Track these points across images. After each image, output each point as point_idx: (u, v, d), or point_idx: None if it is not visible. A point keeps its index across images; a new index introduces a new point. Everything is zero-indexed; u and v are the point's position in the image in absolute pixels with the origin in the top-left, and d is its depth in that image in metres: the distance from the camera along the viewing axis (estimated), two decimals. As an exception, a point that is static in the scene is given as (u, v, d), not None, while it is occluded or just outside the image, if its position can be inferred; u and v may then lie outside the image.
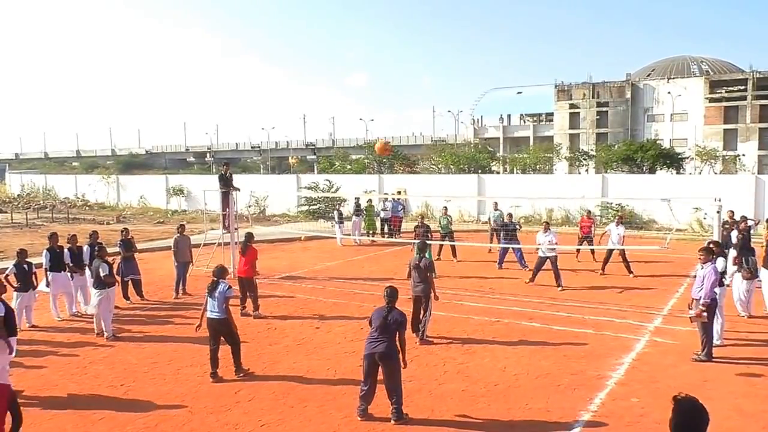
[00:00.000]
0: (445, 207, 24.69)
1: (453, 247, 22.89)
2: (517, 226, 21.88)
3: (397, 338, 8.98)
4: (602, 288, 17.89)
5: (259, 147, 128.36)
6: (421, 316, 12.73)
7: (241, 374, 10.76)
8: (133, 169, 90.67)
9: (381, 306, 9.29)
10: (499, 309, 15.42)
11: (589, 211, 21.39)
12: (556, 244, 18.05)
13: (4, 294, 9.73)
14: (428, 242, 18.16)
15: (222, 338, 10.71)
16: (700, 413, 4.04)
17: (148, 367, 11.39)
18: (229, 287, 10.87)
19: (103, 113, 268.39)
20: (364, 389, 9.04)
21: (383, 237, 28.34)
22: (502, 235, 21.39)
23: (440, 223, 23.60)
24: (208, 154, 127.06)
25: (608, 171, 43.46)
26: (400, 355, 9.03)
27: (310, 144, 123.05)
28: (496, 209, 24.93)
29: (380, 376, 9.02)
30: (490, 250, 23.53)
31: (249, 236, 15.80)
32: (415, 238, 19.92)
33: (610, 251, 19.73)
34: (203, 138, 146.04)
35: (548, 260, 17.97)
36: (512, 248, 20.94)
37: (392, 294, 9.34)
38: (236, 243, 20.02)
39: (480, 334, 13.31)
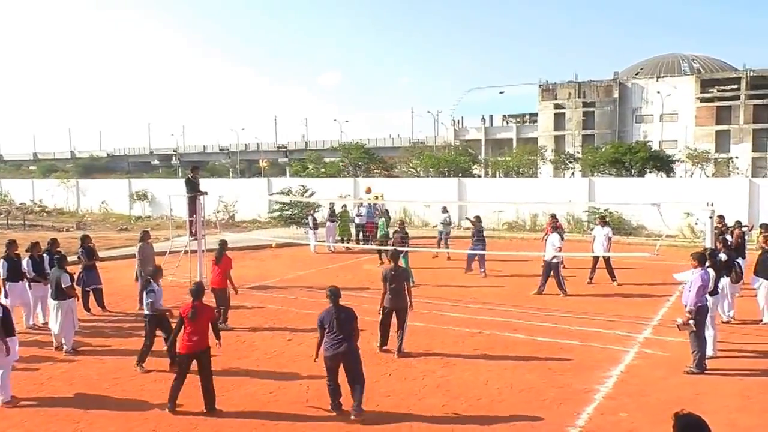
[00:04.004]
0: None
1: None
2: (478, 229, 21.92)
3: (354, 333, 9.76)
4: (589, 296, 17.99)
5: (227, 149, 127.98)
6: (396, 329, 12.74)
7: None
8: (93, 173, 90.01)
9: (327, 308, 9.88)
10: (480, 320, 15.45)
11: (554, 215, 21.45)
12: (560, 249, 18.19)
13: None
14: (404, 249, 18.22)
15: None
16: (702, 430, 4.08)
17: (109, 383, 11.29)
18: (151, 291, 11.81)
19: (62, 114, 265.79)
20: (332, 388, 9.75)
21: (358, 244, 28.33)
22: (473, 239, 21.61)
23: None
24: (173, 157, 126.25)
25: (595, 174, 43.76)
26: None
27: (282, 146, 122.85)
28: (444, 212, 26.23)
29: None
30: (436, 255, 25.02)
31: (223, 244, 15.59)
32: (392, 245, 19.97)
33: (597, 258, 19.87)
34: (169, 140, 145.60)
35: (552, 266, 18.10)
36: (477, 254, 21.22)
37: (336, 293, 9.98)
38: (203, 251, 19.95)
39: (461, 346, 13.33)
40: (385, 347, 12.82)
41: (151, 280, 12.18)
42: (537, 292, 18.20)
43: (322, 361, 9.73)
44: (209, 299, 12.81)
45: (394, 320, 12.76)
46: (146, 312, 11.90)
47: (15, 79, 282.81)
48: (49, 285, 13.86)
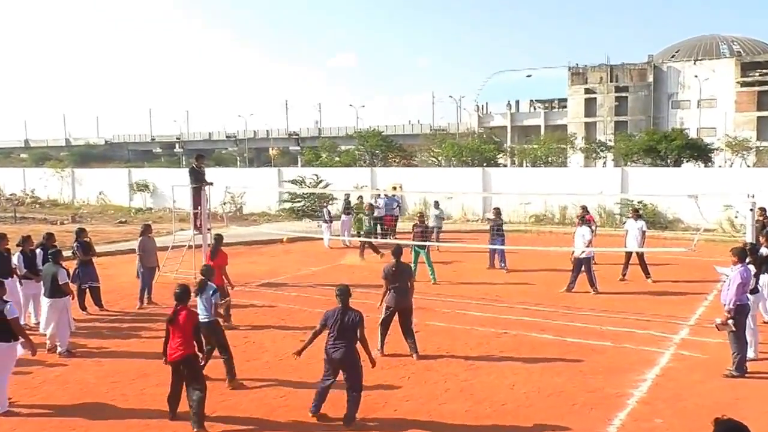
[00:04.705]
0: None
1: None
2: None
3: (357, 340, 9.72)
4: (622, 294, 17.90)
5: (235, 137, 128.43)
6: (403, 333, 12.73)
7: (232, 386, 10.98)
8: (90, 162, 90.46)
9: (335, 307, 9.83)
10: (506, 319, 15.40)
11: (584, 207, 21.40)
12: (590, 243, 18.09)
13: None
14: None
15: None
16: None
17: (107, 387, 11.31)
18: (216, 291, 11.25)
19: (56, 98, 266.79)
20: (321, 390, 9.76)
21: (375, 238, 28.29)
22: (491, 233, 21.65)
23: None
24: (177, 145, 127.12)
25: (628, 164, 43.56)
26: (362, 356, 9.74)
27: (294, 133, 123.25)
28: (437, 207, 26.94)
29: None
30: (438, 248, 24.92)
31: (218, 239, 15.97)
32: (413, 239, 19.96)
33: (630, 253, 19.74)
34: (171, 126, 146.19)
35: (583, 262, 18.03)
36: (497, 248, 21.28)
37: (345, 292, 9.88)
38: (209, 245, 19.97)
39: (485, 347, 13.30)
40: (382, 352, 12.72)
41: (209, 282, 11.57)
42: (566, 290, 18.10)
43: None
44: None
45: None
46: (208, 318, 11.09)
47: (4, 60, 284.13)
48: (42, 282, 13.89)
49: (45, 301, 13.55)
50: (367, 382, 10.71)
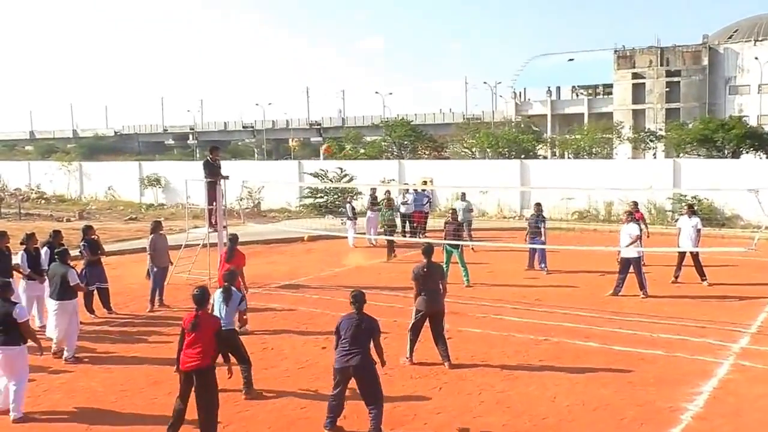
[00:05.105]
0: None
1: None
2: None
3: (372, 346, 9.72)
4: (675, 298, 17.77)
5: (252, 127, 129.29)
6: (434, 339, 12.67)
7: (250, 396, 11.09)
8: (99, 155, 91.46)
9: (349, 313, 9.85)
10: (546, 325, 15.33)
11: (635, 203, 21.25)
12: (639, 240, 17.95)
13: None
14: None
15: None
16: None
17: (116, 396, 11.39)
18: (243, 299, 11.58)
19: (63, 87, 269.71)
20: (333, 403, 9.72)
21: (404, 236, 28.28)
22: (530, 231, 21.61)
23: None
24: (190, 136, 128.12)
25: (681, 155, 43.14)
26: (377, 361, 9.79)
27: (315, 123, 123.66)
28: (463, 200, 26.77)
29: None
30: (473, 248, 24.79)
31: (234, 238, 16.14)
32: (444, 238, 19.88)
33: (683, 253, 19.54)
34: (184, 116, 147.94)
35: (632, 263, 17.89)
36: (537, 248, 21.24)
37: (360, 298, 9.85)
38: (224, 244, 20.04)
39: (524, 356, 13.25)
40: (411, 359, 12.73)
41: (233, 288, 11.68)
42: (613, 293, 17.97)
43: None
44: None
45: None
46: (227, 326, 11.01)
47: (9, 47, 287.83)
48: (47, 283, 13.99)
49: (52, 304, 13.60)
50: (395, 392, 10.73)
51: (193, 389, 9.35)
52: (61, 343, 13.42)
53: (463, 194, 27.71)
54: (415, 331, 12.74)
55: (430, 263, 12.82)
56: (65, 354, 13.25)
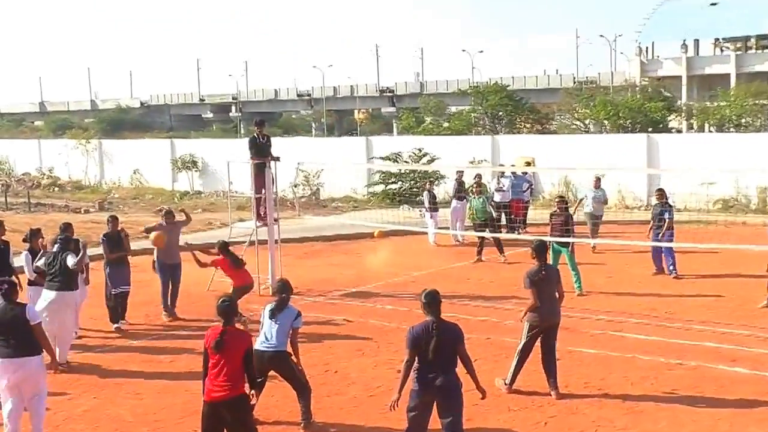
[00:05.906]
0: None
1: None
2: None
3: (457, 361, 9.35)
4: None
5: (309, 95, 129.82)
6: (543, 357, 12.58)
7: (309, 430, 11.15)
8: (123, 131, 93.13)
9: (422, 322, 9.39)
10: (681, 345, 15.17)
11: None
12: None
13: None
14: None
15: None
16: None
17: (149, 427, 11.60)
18: (299, 315, 11.33)
19: (79, 49, 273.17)
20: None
21: (498, 232, 28.19)
22: (654, 225, 21.39)
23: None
24: (233, 108, 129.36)
25: None
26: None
27: (387, 90, 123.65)
28: (597, 187, 26.15)
29: None
30: (594, 247, 24.97)
31: (224, 245, 17.35)
32: (551, 233, 19.75)
33: None
34: (225, 83, 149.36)
35: None
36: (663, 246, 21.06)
37: (434, 300, 9.39)
38: (276, 241, 20.27)
39: (651, 384, 13.12)
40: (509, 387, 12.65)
41: None
42: (767, 305, 17.70)
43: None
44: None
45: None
46: (278, 348, 11.18)
47: (15, 5, 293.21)
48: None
49: (48, 295, 13.76)
50: (488, 425, 10.71)
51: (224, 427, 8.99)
52: (63, 353, 13.66)
53: (598, 179, 26.85)
54: (527, 352, 12.61)
55: (545, 265, 12.80)
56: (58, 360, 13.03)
